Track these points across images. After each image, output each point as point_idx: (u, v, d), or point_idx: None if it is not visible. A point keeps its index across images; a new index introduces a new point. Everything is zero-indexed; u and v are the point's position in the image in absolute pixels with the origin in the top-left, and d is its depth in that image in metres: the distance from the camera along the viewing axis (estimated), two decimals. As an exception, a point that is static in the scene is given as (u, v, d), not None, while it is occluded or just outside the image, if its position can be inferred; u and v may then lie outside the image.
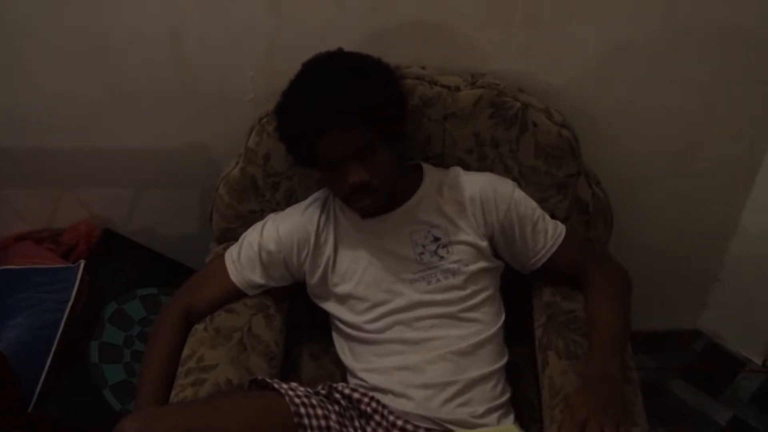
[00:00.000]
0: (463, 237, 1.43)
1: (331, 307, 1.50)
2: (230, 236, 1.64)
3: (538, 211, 1.48)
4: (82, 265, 1.76)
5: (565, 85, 1.67)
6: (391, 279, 1.43)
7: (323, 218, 1.48)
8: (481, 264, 1.44)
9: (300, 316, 1.63)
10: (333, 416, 1.29)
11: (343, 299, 1.47)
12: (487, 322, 1.44)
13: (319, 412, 1.28)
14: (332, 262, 1.46)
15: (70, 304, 1.69)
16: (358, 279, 1.45)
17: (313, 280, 1.49)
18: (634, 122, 1.76)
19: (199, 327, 1.48)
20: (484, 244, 1.44)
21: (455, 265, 1.42)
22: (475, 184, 1.46)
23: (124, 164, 1.85)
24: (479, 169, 1.57)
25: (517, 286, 1.58)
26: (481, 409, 1.36)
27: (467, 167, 1.57)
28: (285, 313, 1.59)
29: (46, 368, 1.59)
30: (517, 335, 1.55)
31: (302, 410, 1.27)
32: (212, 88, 1.69)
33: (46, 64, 1.65)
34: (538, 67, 1.65)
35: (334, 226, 1.47)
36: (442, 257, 1.42)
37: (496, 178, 1.50)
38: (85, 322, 1.72)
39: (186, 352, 1.44)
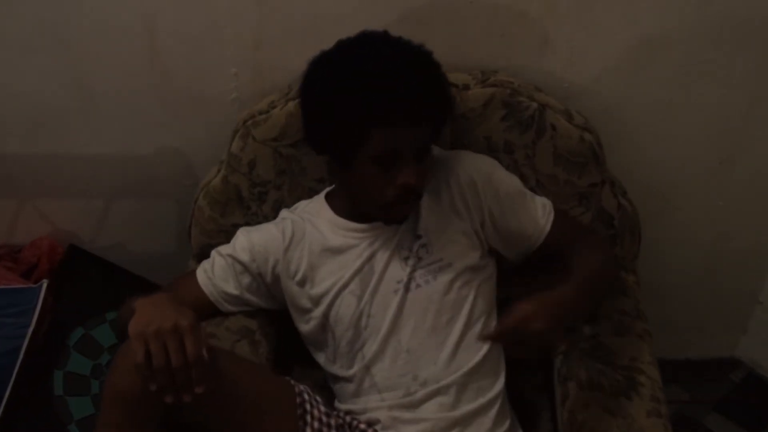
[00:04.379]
0: (448, 230, 1.42)
1: (309, 336, 1.50)
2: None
3: (524, 188, 1.50)
4: (44, 286, 1.76)
5: (587, 84, 1.66)
6: (372, 302, 1.41)
7: (297, 234, 1.46)
8: (468, 261, 1.42)
9: (294, 349, 1.60)
10: (332, 421, 1.36)
11: (321, 327, 1.46)
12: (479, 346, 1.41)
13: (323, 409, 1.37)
14: (308, 282, 1.45)
15: (31, 329, 1.68)
16: (337, 304, 1.43)
17: (291, 299, 1.48)
18: (666, 125, 1.75)
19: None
20: (474, 232, 1.43)
21: (435, 266, 1.41)
22: (455, 167, 1.45)
23: (90, 172, 1.84)
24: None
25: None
26: None
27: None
28: (272, 340, 1.57)
29: (5, 401, 1.56)
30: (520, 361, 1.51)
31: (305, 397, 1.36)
32: (190, 85, 1.69)
33: (0, 59, 1.65)
34: (557, 63, 1.64)
35: (309, 243, 1.45)
36: (420, 258, 1.41)
37: (473, 158, 1.50)
38: (48, 350, 1.70)
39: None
